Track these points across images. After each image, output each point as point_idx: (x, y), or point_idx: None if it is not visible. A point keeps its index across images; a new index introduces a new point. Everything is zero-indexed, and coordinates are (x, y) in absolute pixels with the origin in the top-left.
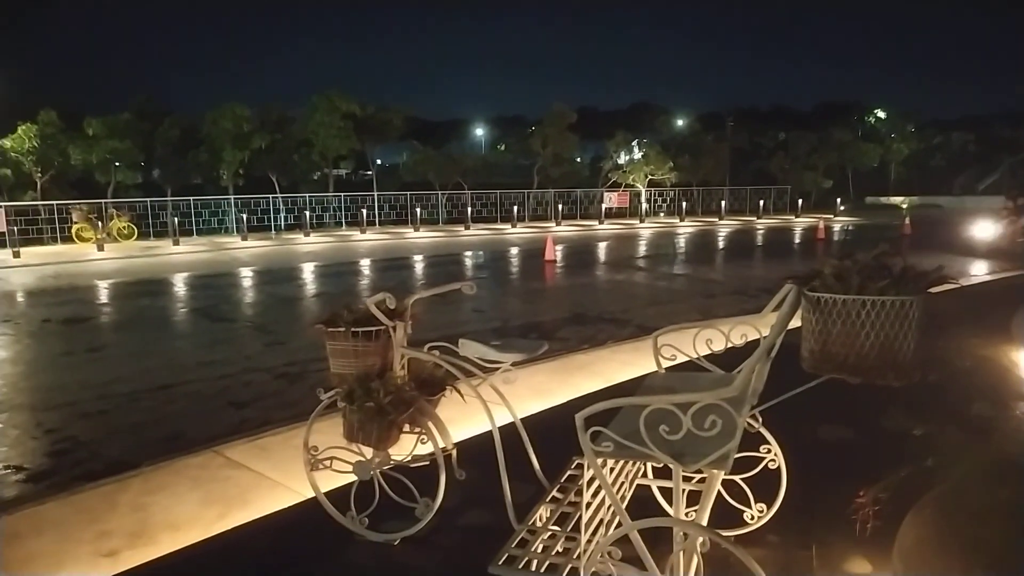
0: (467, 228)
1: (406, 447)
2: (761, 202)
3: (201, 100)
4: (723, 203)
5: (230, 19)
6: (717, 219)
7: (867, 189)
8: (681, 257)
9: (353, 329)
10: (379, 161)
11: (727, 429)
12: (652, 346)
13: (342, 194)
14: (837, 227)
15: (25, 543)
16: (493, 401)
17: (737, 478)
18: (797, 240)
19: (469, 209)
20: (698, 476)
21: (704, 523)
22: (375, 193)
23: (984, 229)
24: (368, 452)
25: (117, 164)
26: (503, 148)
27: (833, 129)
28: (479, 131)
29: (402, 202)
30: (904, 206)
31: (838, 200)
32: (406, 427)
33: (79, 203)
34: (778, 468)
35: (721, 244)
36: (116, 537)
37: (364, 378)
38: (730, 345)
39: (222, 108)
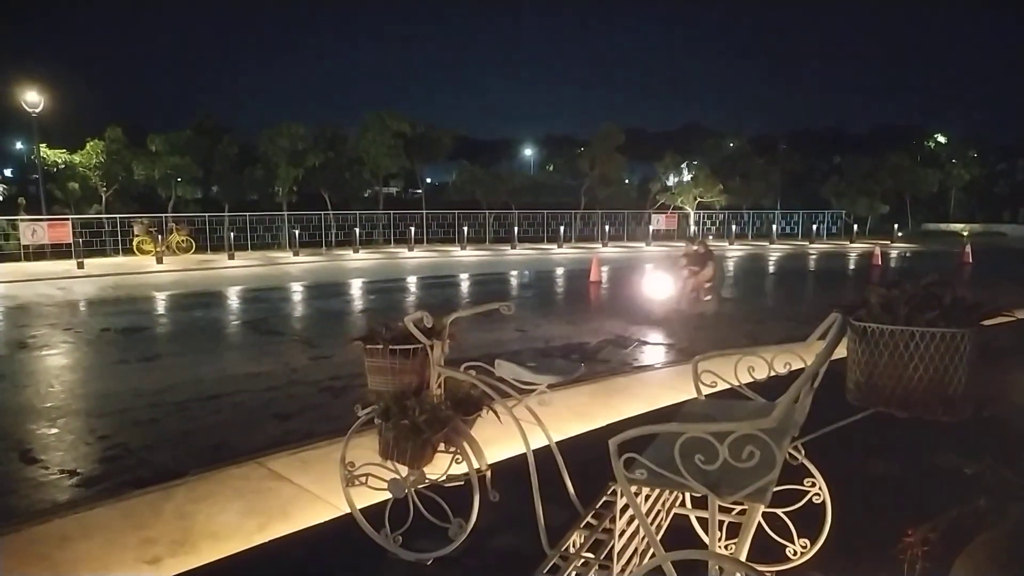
0: (513, 247)
1: (441, 466)
2: (814, 226)
3: (254, 117)
4: (774, 227)
5: (285, 37)
6: (768, 243)
7: (926, 215)
8: (729, 281)
9: (391, 347)
10: (428, 180)
11: (766, 461)
12: (692, 372)
13: (391, 212)
14: (894, 253)
15: (74, 546)
16: (529, 422)
17: (780, 511)
18: (851, 266)
19: (516, 228)
20: (738, 508)
21: (743, 557)
22: (423, 211)
23: (660, 285)
24: (403, 470)
25: (178, 179)
26: (551, 168)
27: (890, 153)
28: (528, 151)
29: (449, 220)
30: (965, 233)
31: (895, 226)
32: (441, 446)
33: (141, 217)
34: (823, 502)
35: (771, 268)
36: (160, 544)
37: (400, 396)
38: (773, 373)
39: (278, 126)
